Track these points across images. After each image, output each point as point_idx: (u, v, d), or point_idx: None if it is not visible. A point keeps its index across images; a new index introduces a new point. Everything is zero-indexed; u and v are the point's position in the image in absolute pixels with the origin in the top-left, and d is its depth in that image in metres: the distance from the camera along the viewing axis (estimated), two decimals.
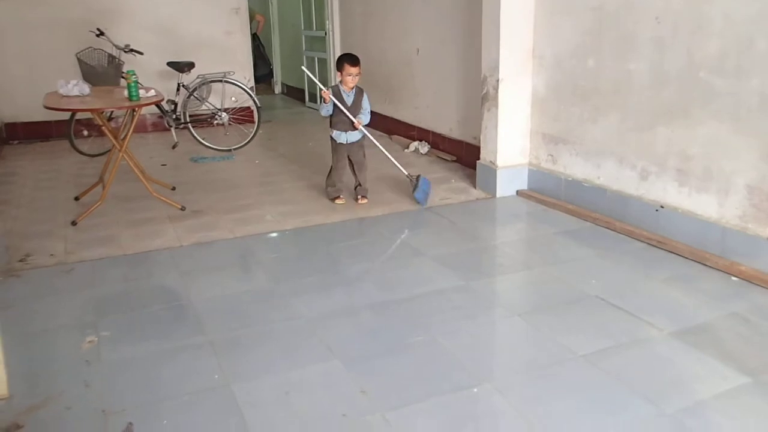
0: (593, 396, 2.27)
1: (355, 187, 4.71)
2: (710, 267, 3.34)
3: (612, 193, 4.04)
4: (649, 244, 3.69)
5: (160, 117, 6.74)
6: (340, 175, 4.61)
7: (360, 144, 4.61)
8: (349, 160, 4.61)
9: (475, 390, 2.31)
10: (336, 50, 8.19)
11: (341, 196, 4.66)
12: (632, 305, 2.94)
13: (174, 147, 6.36)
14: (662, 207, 3.70)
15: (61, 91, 4.29)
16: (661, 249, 3.60)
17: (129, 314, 2.98)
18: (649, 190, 3.80)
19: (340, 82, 4.54)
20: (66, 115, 5.82)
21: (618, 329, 2.74)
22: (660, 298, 3.06)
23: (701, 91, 3.41)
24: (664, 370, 2.44)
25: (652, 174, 3.76)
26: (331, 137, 4.59)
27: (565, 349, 2.58)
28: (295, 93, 10.25)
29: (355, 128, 4.50)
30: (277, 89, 11.05)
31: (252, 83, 7.79)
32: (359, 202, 4.61)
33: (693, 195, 3.52)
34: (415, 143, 6.28)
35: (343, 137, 4.53)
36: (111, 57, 6.02)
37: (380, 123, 7.05)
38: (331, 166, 4.66)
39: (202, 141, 6.35)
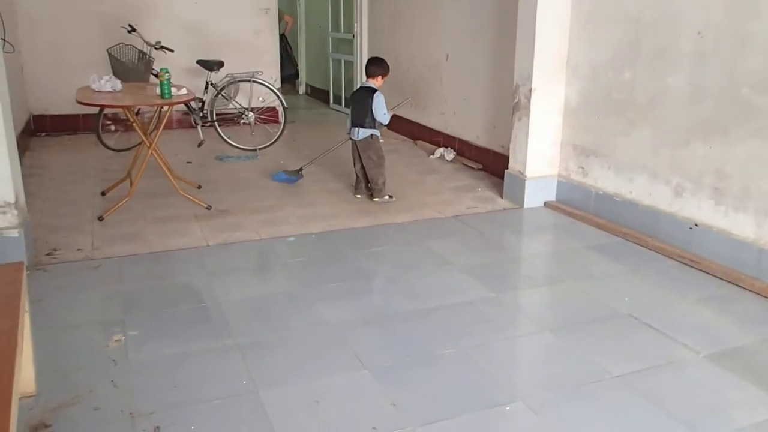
0: (628, 418, 2.22)
1: (366, 185, 4.82)
2: (745, 289, 3.26)
3: (644, 208, 3.98)
4: (681, 262, 3.62)
5: (186, 114, 6.75)
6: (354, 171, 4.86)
7: (366, 143, 4.69)
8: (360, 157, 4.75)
9: (508, 408, 2.27)
10: (363, 53, 8.17)
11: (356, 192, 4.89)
12: (666, 325, 2.88)
13: (200, 145, 6.37)
14: (696, 225, 3.63)
15: (94, 86, 4.29)
16: (694, 268, 3.53)
17: (156, 313, 2.96)
18: (683, 207, 3.73)
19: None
20: (94, 110, 5.83)
21: (652, 350, 2.68)
22: (694, 318, 3.00)
23: (741, 108, 3.34)
24: (701, 395, 2.38)
25: (687, 191, 3.69)
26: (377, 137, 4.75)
27: (599, 369, 2.52)
28: (319, 94, 10.25)
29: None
30: (302, 90, 11.06)
31: (279, 84, 7.78)
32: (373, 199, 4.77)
33: (729, 214, 3.45)
34: (441, 150, 6.23)
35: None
36: (141, 53, 6.03)
37: (405, 128, 7.02)
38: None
39: (228, 140, 6.35)
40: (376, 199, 4.75)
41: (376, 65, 4.74)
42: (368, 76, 4.74)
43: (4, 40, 4.41)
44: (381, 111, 4.62)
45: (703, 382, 2.46)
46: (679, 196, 3.74)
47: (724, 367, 2.55)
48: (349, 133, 4.76)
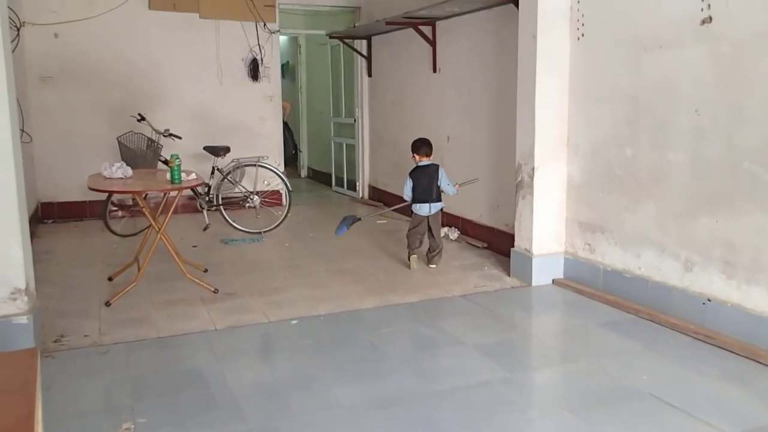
0: None
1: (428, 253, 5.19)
2: (764, 364, 3.21)
3: (654, 284, 3.97)
4: (696, 338, 3.57)
5: (192, 198, 6.83)
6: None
7: (437, 215, 5.17)
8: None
9: None
10: (365, 136, 8.38)
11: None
12: (688, 404, 2.81)
13: (205, 229, 6.41)
14: (709, 300, 3.61)
15: (105, 173, 4.37)
16: (710, 344, 3.48)
17: (165, 399, 2.90)
18: (694, 282, 3.72)
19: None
20: (101, 196, 5.90)
21: (677, 431, 2.61)
22: (716, 397, 2.93)
23: (745, 181, 3.39)
24: None
25: (697, 265, 3.69)
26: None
27: None
28: (321, 176, 10.40)
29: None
30: (303, 173, 11.23)
31: (283, 167, 7.92)
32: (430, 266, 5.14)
33: (742, 287, 3.44)
34: (445, 229, 6.26)
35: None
36: (150, 140, 6.18)
37: (408, 207, 7.07)
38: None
39: (233, 223, 6.40)
40: (432, 266, 5.08)
41: (428, 145, 5.12)
42: (424, 155, 5.09)
43: (22, 131, 4.52)
44: (447, 182, 5.03)
45: None
46: (690, 271, 3.74)
47: None
48: (418, 211, 5.08)
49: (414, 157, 5.14)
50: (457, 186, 5.07)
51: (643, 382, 3.05)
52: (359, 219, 5.31)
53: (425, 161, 5.09)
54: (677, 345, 3.52)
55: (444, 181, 5.03)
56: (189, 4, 7.33)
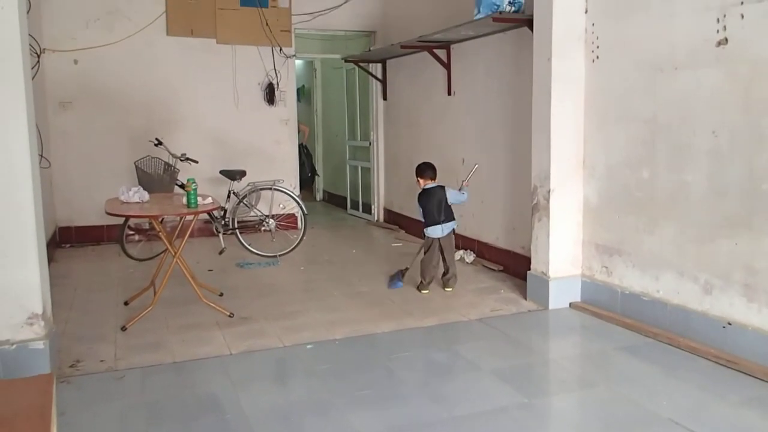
0: None
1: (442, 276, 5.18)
2: None
3: (673, 307, 3.91)
4: (717, 362, 3.50)
5: (207, 222, 6.87)
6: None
7: (450, 236, 5.16)
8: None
9: None
10: (380, 159, 8.41)
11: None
12: (709, 430, 2.76)
13: (221, 252, 6.44)
14: (729, 323, 3.55)
15: (122, 197, 4.41)
16: (731, 368, 3.42)
17: (181, 425, 2.89)
18: (714, 305, 3.66)
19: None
20: (118, 220, 5.96)
21: None
22: (738, 423, 2.87)
23: (764, 204, 3.34)
24: None
25: (716, 288, 3.64)
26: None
27: None
28: (336, 200, 10.43)
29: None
30: (319, 196, 11.27)
31: (298, 191, 7.96)
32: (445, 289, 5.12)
33: (763, 311, 3.38)
34: (460, 252, 6.25)
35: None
36: (167, 165, 6.23)
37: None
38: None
39: (249, 247, 6.41)
40: (448, 290, 5.07)
41: (432, 169, 5.17)
42: (429, 179, 5.13)
43: (41, 156, 4.58)
44: (455, 194, 5.05)
45: None
46: (709, 294, 3.68)
47: None
48: (430, 234, 5.08)
49: (419, 181, 5.17)
50: (465, 185, 5.10)
51: (663, 407, 2.99)
52: (407, 269, 5.28)
53: (431, 184, 5.12)
54: (697, 370, 3.46)
55: (452, 197, 5.05)
56: (206, 29, 7.44)
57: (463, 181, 5.13)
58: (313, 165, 10.20)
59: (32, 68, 4.26)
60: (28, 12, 3.65)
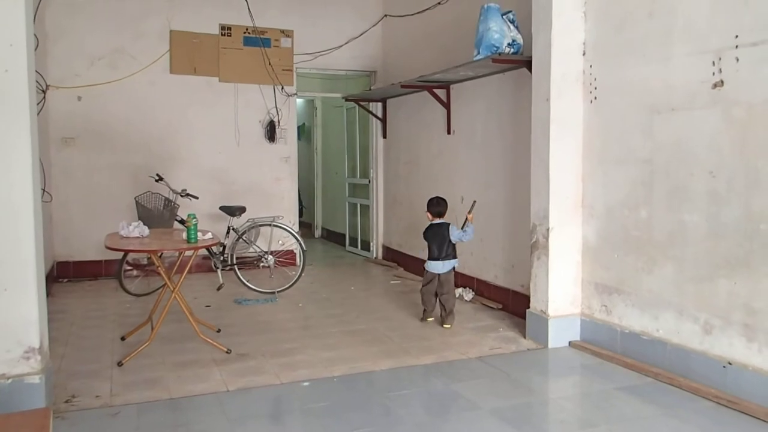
0: None
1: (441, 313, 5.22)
2: None
3: (673, 347, 3.89)
4: (718, 403, 3.48)
5: (206, 258, 6.86)
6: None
7: (450, 273, 5.23)
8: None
9: None
10: (379, 197, 8.45)
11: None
12: None
13: (219, 288, 6.42)
14: (730, 363, 3.53)
15: (122, 232, 4.42)
16: (733, 409, 3.39)
17: None
18: (714, 345, 3.65)
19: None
20: (116, 255, 5.96)
21: None
22: None
23: (762, 244, 3.36)
24: None
25: (716, 328, 3.63)
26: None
27: None
28: (335, 237, 10.44)
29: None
30: (317, 233, 11.28)
31: (298, 227, 7.97)
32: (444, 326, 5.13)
33: (763, 351, 3.37)
34: (459, 289, 6.23)
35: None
36: (167, 200, 6.26)
37: (422, 269, 7.05)
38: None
39: (247, 283, 6.40)
40: (446, 326, 5.07)
41: (444, 206, 5.26)
42: (438, 215, 5.23)
43: (44, 190, 4.61)
44: (457, 232, 5.11)
45: None
46: (709, 334, 3.67)
47: None
48: (431, 269, 5.18)
49: (428, 215, 5.27)
50: (469, 218, 5.14)
51: None
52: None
53: (438, 220, 5.21)
54: (698, 410, 3.43)
55: (455, 236, 5.12)
56: (209, 68, 7.56)
57: (466, 216, 5.17)
58: (300, 199, 10.22)
59: (37, 104, 4.31)
60: (35, 49, 3.71)
